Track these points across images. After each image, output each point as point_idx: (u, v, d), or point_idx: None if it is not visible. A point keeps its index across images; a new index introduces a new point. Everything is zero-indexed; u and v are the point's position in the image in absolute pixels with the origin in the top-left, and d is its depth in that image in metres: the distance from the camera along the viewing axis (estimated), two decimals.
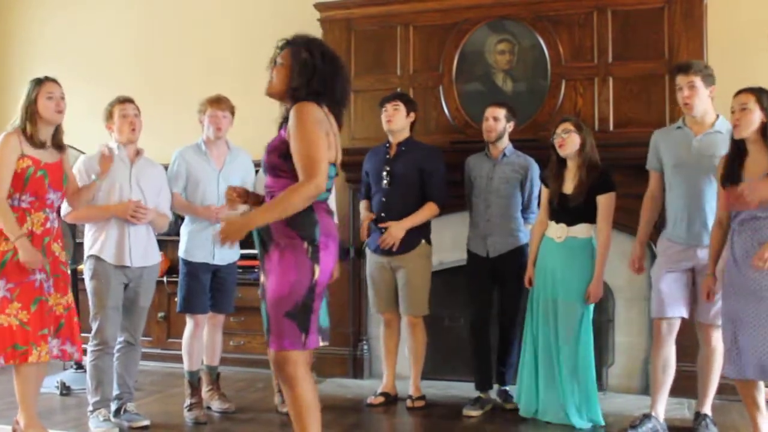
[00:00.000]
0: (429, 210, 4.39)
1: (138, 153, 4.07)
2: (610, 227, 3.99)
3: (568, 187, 4.04)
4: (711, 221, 3.65)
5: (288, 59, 2.84)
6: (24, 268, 3.46)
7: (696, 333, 3.85)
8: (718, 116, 3.77)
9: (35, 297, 3.49)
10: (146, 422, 3.96)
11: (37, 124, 3.55)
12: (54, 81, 3.62)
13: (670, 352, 3.79)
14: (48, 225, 3.59)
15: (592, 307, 4.02)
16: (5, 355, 3.41)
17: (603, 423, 3.96)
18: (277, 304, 2.71)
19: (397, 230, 4.32)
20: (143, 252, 4.00)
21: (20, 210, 3.51)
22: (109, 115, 4.02)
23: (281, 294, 2.71)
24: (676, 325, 3.78)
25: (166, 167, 4.33)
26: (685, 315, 3.77)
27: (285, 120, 2.82)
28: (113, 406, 3.98)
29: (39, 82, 3.59)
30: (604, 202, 3.96)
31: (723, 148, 3.62)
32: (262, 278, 2.83)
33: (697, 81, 3.67)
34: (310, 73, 2.79)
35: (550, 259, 4.05)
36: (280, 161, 2.78)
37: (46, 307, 3.52)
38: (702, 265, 3.69)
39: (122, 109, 4.00)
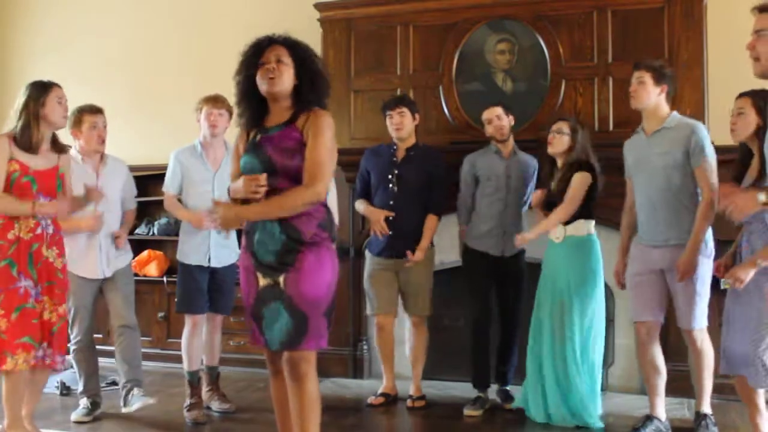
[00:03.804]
0: (434, 223, 4.41)
1: (102, 159, 4.15)
2: (572, 204, 3.97)
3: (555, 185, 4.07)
4: (670, 221, 3.68)
5: (289, 59, 2.83)
6: (10, 275, 3.43)
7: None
8: (671, 114, 3.80)
9: (18, 305, 3.44)
10: (152, 401, 4.02)
11: (40, 127, 3.52)
12: (60, 86, 3.62)
13: (655, 354, 3.80)
14: (38, 231, 3.51)
15: (602, 308, 4.03)
16: None
17: (602, 425, 3.95)
18: (316, 304, 2.74)
19: (419, 256, 4.34)
20: (113, 262, 4.13)
21: (6, 216, 3.46)
22: (77, 122, 4.07)
23: (321, 294, 2.76)
24: (655, 328, 3.80)
25: (164, 168, 4.34)
26: (660, 319, 3.78)
27: (290, 121, 2.82)
28: (122, 394, 4.06)
29: (47, 86, 3.56)
30: (575, 179, 3.97)
31: (669, 144, 3.68)
32: (280, 279, 2.76)
33: (647, 77, 3.73)
34: (313, 78, 2.84)
35: (552, 260, 4.05)
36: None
37: (32, 315, 3.48)
38: (669, 267, 3.68)
39: (93, 120, 4.07)
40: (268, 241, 2.75)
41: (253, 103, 2.86)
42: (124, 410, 4.02)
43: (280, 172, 2.76)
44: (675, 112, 3.83)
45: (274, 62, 2.80)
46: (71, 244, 3.97)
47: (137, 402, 3.98)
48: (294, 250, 2.73)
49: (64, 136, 3.88)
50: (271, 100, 2.86)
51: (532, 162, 4.42)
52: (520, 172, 4.38)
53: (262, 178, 2.74)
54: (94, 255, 4.07)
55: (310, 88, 2.84)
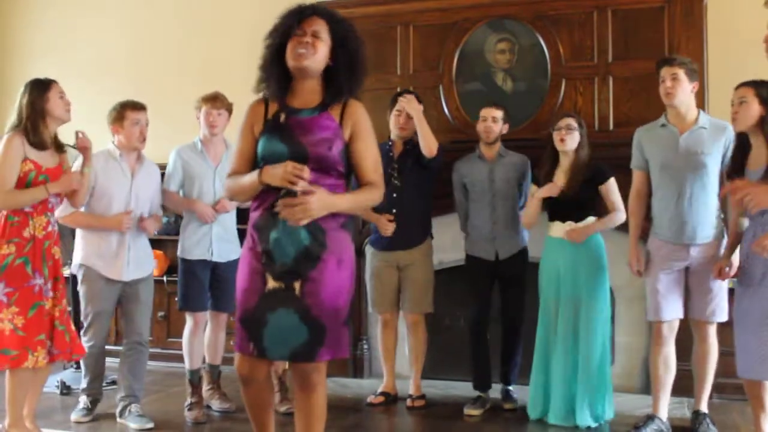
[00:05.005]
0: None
1: (139, 158, 4.12)
2: (622, 210, 4.00)
3: (562, 182, 4.04)
4: (703, 219, 3.69)
5: (327, 35, 2.60)
6: (26, 273, 3.47)
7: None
8: (699, 112, 3.80)
9: (34, 302, 3.49)
10: (150, 425, 3.96)
11: (45, 123, 3.55)
12: (57, 82, 3.63)
13: (670, 352, 3.80)
14: (49, 228, 3.59)
15: (608, 306, 4.04)
16: None
17: (612, 416, 4.01)
18: (336, 313, 2.56)
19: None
20: (140, 265, 4.09)
21: (22, 214, 3.49)
22: (120, 118, 4.03)
23: (342, 303, 2.58)
24: (676, 326, 3.80)
25: (163, 167, 4.34)
26: (682, 315, 3.80)
27: (323, 105, 2.62)
28: (119, 406, 4.06)
29: (47, 83, 3.58)
30: (609, 189, 4.00)
31: (709, 145, 3.68)
32: (296, 285, 2.52)
33: (681, 73, 3.70)
34: (354, 61, 2.64)
35: (561, 259, 4.03)
36: (339, 158, 2.59)
37: (44, 311, 3.52)
38: (696, 263, 3.71)
39: (136, 117, 4.03)
40: (288, 240, 2.51)
41: (279, 75, 2.61)
42: (119, 420, 4.02)
43: (310, 162, 2.51)
44: (701, 111, 3.82)
45: (310, 36, 2.55)
46: (102, 243, 3.97)
47: (134, 423, 3.95)
48: (316, 254, 2.52)
49: (96, 133, 3.89)
50: (298, 77, 2.61)
51: (522, 161, 4.38)
52: (507, 174, 4.34)
53: (307, 169, 2.45)
54: (122, 255, 4.00)
55: (346, 73, 2.61)
